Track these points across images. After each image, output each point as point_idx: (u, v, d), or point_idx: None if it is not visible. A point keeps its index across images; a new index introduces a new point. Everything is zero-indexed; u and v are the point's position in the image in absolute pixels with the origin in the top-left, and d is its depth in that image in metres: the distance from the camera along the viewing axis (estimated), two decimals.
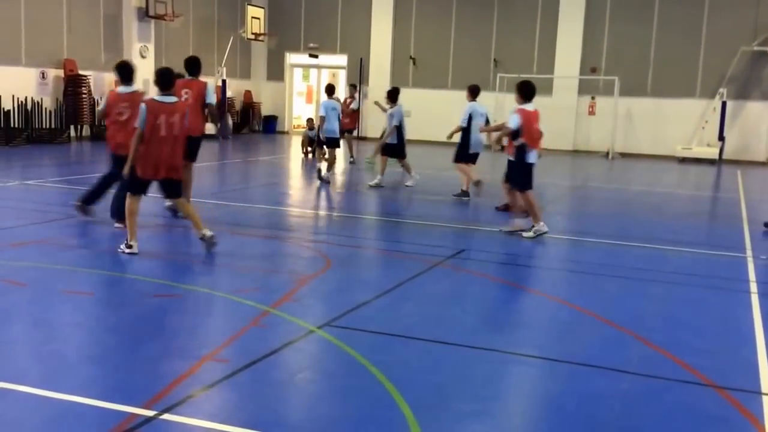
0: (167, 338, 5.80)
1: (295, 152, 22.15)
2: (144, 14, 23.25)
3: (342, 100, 19.32)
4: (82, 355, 5.30)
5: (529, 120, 10.03)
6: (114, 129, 9.27)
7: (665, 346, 5.87)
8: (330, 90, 16.08)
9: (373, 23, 28.15)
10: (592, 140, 26.07)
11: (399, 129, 14.64)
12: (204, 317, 6.30)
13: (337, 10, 28.78)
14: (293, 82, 30.77)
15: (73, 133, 21.85)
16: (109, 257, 7.98)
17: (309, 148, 20.35)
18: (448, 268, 8.30)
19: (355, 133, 19.97)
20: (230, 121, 26.56)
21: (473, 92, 13.29)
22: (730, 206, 14.31)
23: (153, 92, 8.61)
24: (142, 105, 8.10)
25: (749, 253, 9.72)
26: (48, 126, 20.97)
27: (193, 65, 10.39)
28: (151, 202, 10.18)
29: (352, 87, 21.73)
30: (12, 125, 19.86)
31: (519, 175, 10.22)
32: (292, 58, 30.34)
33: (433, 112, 24.53)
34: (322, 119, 15.23)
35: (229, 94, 26.89)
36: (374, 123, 25.34)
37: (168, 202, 9.92)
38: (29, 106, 20.29)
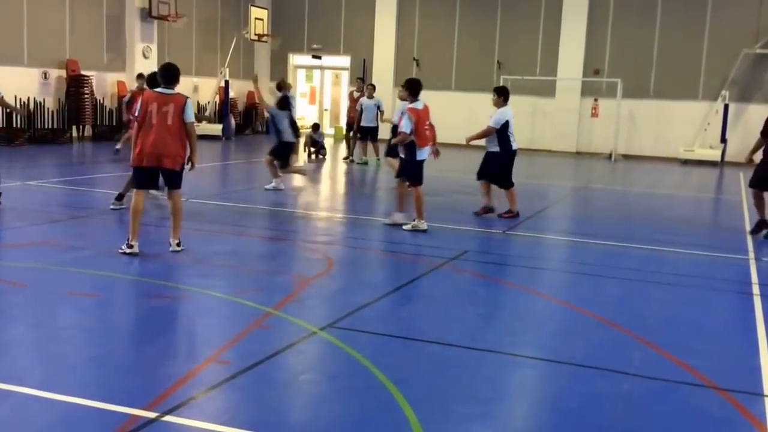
0: (169, 340, 5.81)
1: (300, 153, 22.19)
2: (147, 15, 23.24)
3: (349, 93, 19.93)
4: (84, 357, 5.30)
5: (420, 119, 10.18)
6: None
7: (667, 348, 5.86)
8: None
9: (377, 24, 28.14)
10: (594, 142, 26.05)
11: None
12: (206, 319, 6.29)
13: (341, 11, 28.79)
14: (296, 84, 30.77)
15: (75, 133, 21.88)
16: (111, 258, 7.95)
17: (312, 149, 20.48)
18: (450, 270, 8.30)
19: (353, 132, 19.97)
20: (233, 122, 26.57)
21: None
22: (732, 208, 14.30)
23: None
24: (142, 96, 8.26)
25: (751, 255, 9.71)
26: (50, 126, 21.00)
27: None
28: (161, 203, 10.19)
29: (359, 80, 21.76)
30: (14, 125, 19.89)
31: (410, 171, 10.38)
32: (295, 59, 30.35)
33: (437, 114, 24.42)
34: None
35: (231, 94, 26.89)
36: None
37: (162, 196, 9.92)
38: (31, 107, 20.31)
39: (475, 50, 27.01)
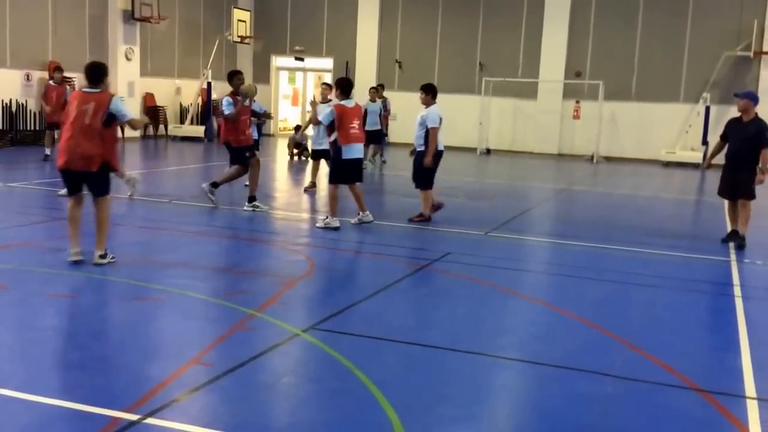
0: (151, 342, 5.78)
1: (282, 154, 22.16)
2: (130, 16, 23.15)
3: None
4: (65, 359, 5.27)
5: (345, 115, 10.34)
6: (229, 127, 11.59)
7: (649, 350, 5.89)
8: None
9: (359, 26, 28.14)
10: (576, 144, 26.14)
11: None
12: (188, 320, 6.26)
13: (323, 13, 28.77)
14: (279, 85, 30.73)
15: (57, 135, 21.69)
16: (92, 260, 7.91)
17: (296, 150, 20.50)
18: (433, 271, 8.31)
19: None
20: (215, 124, 26.48)
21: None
22: (714, 210, 14.38)
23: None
24: None
25: (733, 256, 9.77)
26: (32, 128, 20.84)
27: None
28: (143, 205, 10.14)
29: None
30: None
31: (332, 169, 10.69)
32: (278, 60, 30.29)
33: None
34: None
35: (214, 96, 26.80)
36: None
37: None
38: (14, 108, 20.17)
39: (457, 52, 27.04)
